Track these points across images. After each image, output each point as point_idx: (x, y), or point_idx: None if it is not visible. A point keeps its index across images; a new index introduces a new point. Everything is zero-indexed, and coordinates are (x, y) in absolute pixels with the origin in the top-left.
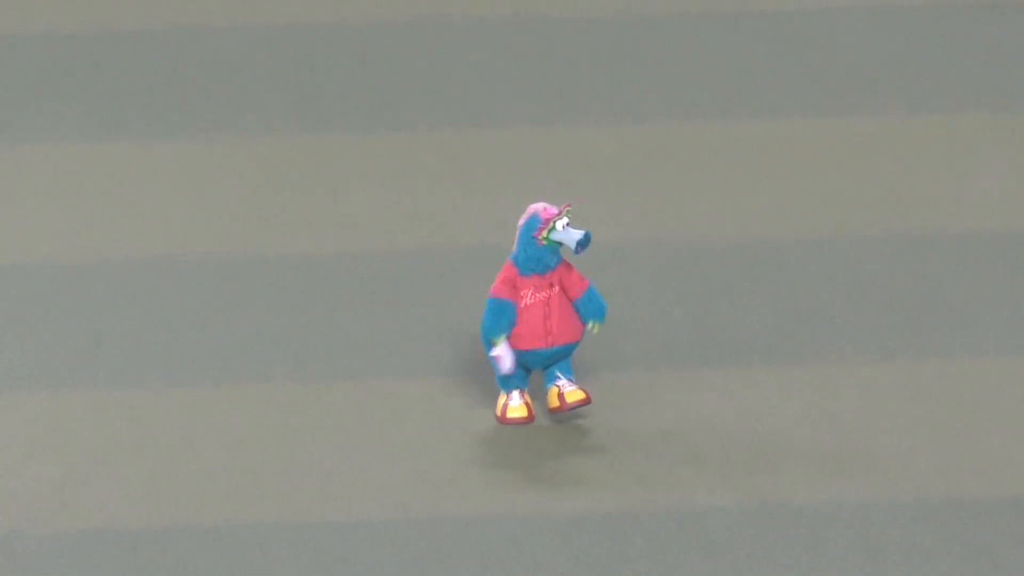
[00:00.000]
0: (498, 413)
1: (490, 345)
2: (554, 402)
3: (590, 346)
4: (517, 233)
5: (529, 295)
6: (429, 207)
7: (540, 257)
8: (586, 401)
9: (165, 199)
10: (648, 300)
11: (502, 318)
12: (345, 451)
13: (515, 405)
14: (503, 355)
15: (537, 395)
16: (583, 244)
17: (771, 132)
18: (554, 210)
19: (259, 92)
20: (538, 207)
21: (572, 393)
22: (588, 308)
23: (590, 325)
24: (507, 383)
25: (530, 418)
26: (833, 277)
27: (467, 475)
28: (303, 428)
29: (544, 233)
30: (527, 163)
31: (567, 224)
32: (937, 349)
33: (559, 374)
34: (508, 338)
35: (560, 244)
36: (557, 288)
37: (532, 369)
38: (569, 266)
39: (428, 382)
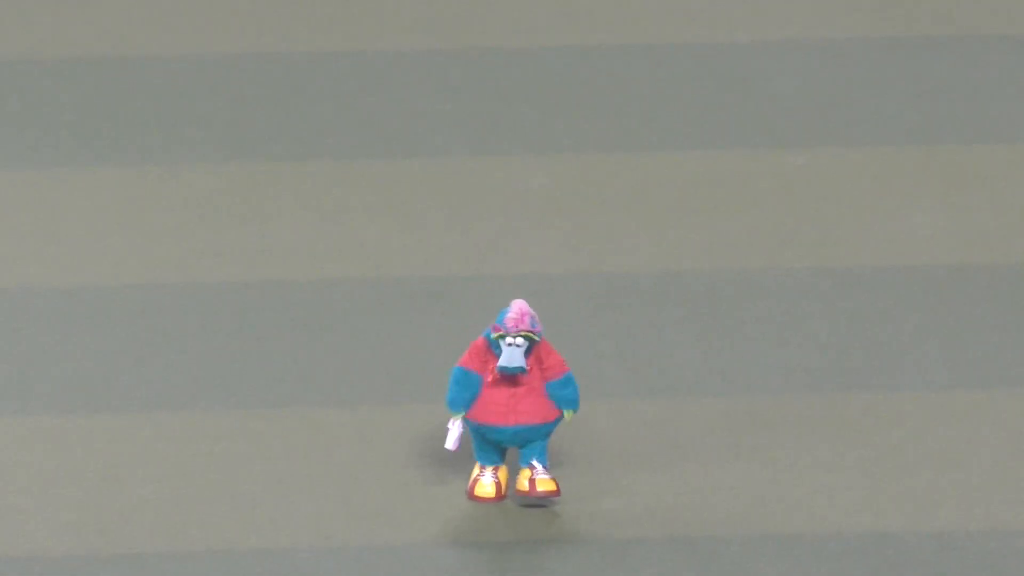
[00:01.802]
0: (468, 487)
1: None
2: (523, 486)
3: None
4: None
5: (495, 376)
6: (359, 237)
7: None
8: (555, 493)
9: (94, 227)
10: (577, 331)
11: (463, 389)
12: (271, 479)
13: (485, 483)
14: (451, 431)
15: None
16: (506, 369)
17: (702, 165)
18: (516, 325)
19: (189, 121)
20: (517, 311)
21: (544, 482)
22: (560, 394)
23: (566, 413)
24: (484, 458)
25: (498, 498)
26: (761, 311)
27: (394, 504)
28: (229, 456)
29: (494, 336)
30: (458, 194)
31: (518, 345)
32: (865, 384)
33: (534, 462)
34: (467, 413)
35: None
36: (531, 367)
37: (504, 446)
38: (550, 348)
39: (355, 411)
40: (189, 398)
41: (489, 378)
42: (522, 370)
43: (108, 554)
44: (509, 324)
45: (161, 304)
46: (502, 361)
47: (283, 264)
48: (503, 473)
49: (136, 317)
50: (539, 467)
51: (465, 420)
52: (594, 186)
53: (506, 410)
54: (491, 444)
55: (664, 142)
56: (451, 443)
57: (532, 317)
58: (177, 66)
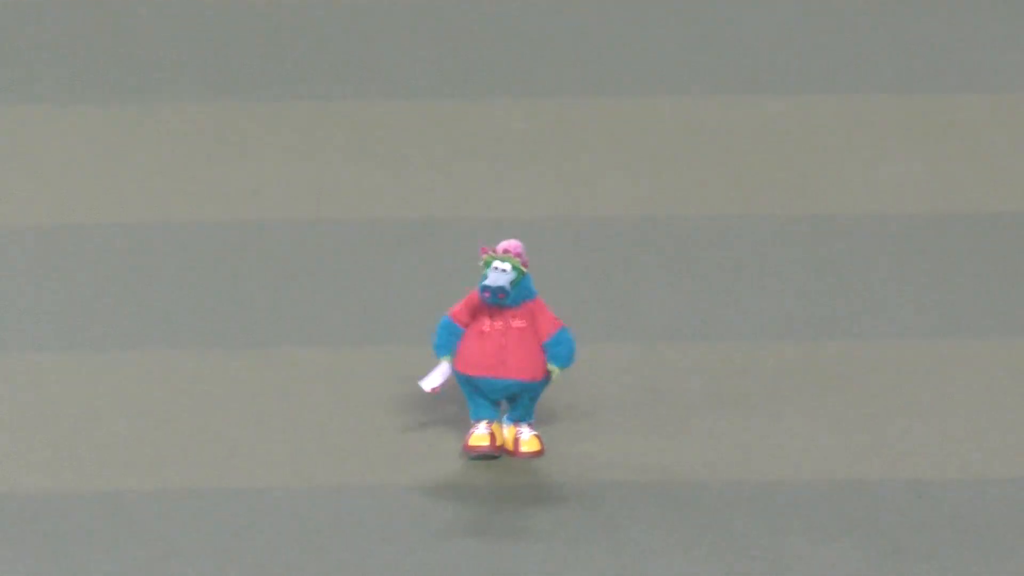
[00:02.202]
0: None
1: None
2: (508, 444)
3: None
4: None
5: (488, 324)
6: (338, 178)
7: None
8: (539, 454)
9: (71, 165)
10: (555, 275)
11: (449, 336)
12: (248, 419)
13: (479, 433)
14: (434, 373)
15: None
16: (489, 288)
17: (682, 110)
18: (504, 250)
19: (168, 61)
20: (510, 242)
21: (528, 443)
22: (553, 350)
23: (551, 367)
24: (477, 413)
25: (493, 448)
26: (740, 256)
27: (370, 446)
28: (206, 395)
29: (483, 258)
30: (438, 136)
31: (504, 270)
32: (841, 331)
33: (520, 424)
34: (458, 366)
35: (485, 276)
36: (524, 324)
37: (496, 400)
38: (543, 306)
39: (333, 352)
40: (166, 337)
41: (486, 327)
42: (504, 291)
43: (83, 491)
44: (499, 249)
45: (139, 243)
46: (487, 281)
47: (261, 204)
48: (498, 427)
49: (113, 256)
50: (524, 428)
51: (456, 373)
52: (574, 130)
53: (496, 362)
54: (483, 399)
55: (644, 87)
56: (427, 384)
57: (522, 251)
58: (156, 4)
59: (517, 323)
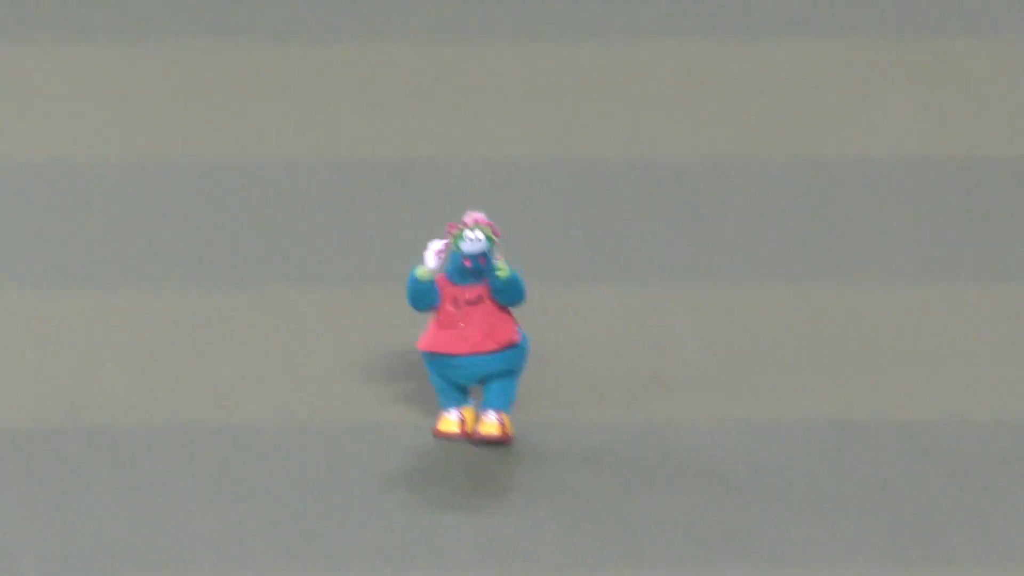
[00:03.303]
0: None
1: (416, 282)
2: (470, 426)
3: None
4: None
5: (451, 303)
6: (329, 118)
7: (461, 268)
8: (501, 438)
9: (63, 103)
10: (547, 217)
11: (423, 295)
12: (236, 357)
13: (449, 419)
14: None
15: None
16: (471, 255)
17: (677, 53)
18: (475, 221)
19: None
20: (476, 214)
21: (487, 425)
22: (506, 297)
23: (499, 267)
24: (447, 401)
25: (463, 434)
26: (732, 199)
27: (357, 384)
28: (195, 333)
29: (452, 234)
30: (431, 78)
31: (476, 238)
32: (834, 274)
33: (489, 410)
34: (424, 346)
35: (461, 252)
36: (486, 301)
37: (467, 386)
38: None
39: (324, 292)
40: (155, 275)
41: (448, 307)
42: (485, 255)
43: (71, 427)
44: (467, 220)
45: (129, 181)
46: (466, 249)
47: (253, 144)
48: (469, 412)
49: (104, 194)
50: (491, 412)
51: (424, 355)
52: (569, 73)
53: (459, 337)
54: (452, 385)
55: (639, 29)
56: (432, 259)
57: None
58: None
59: (481, 301)
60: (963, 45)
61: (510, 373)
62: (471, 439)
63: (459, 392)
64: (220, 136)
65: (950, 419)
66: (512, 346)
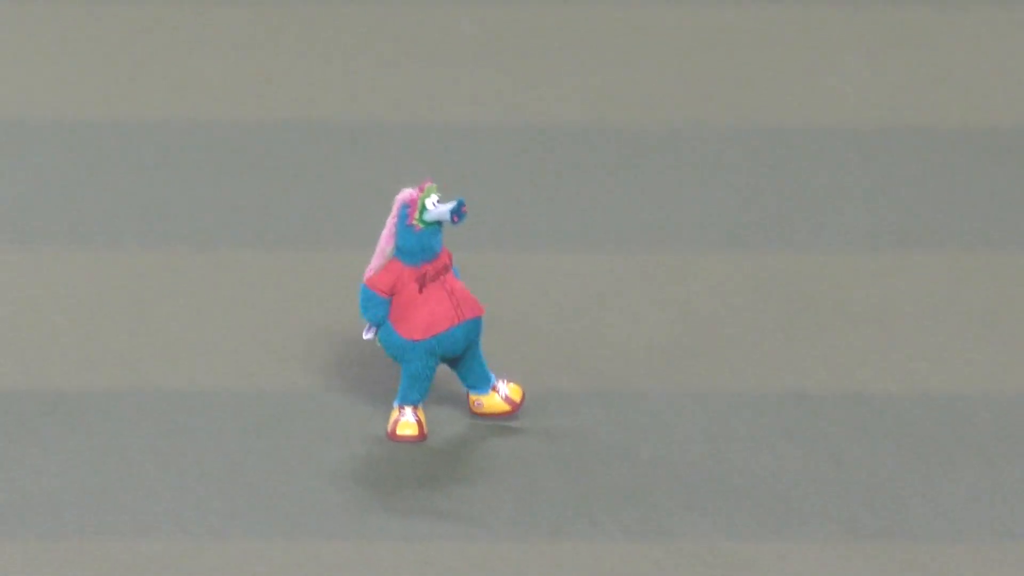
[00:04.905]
0: (389, 429)
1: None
2: (474, 408)
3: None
4: (393, 230)
5: (424, 284)
6: (282, 76)
7: (424, 243)
8: (518, 405)
9: (10, 59)
10: (500, 180)
11: (375, 308)
12: (191, 319)
13: (407, 421)
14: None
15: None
16: (458, 212)
17: (631, 17)
18: (415, 191)
19: None
20: (403, 195)
21: (513, 390)
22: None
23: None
24: (410, 396)
25: (422, 436)
26: (685, 165)
27: (317, 348)
28: (150, 294)
29: (417, 216)
30: (385, 38)
31: (437, 200)
32: (787, 241)
33: (492, 383)
34: (416, 335)
35: (438, 222)
36: (449, 267)
37: (452, 358)
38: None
39: (280, 254)
40: (109, 235)
41: (422, 292)
42: (462, 201)
43: (23, 388)
44: (411, 200)
45: (82, 139)
46: (447, 214)
47: (204, 102)
48: (423, 413)
49: (56, 152)
50: (476, 392)
51: (415, 344)
52: (523, 35)
53: (452, 308)
54: (431, 372)
55: None
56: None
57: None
58: None
59: (447, 270)
60: (920, 13)
61: (478, 339)
62: (481, 415)
63: (425, 388)
64: (170, 95)
65: (907, 390)
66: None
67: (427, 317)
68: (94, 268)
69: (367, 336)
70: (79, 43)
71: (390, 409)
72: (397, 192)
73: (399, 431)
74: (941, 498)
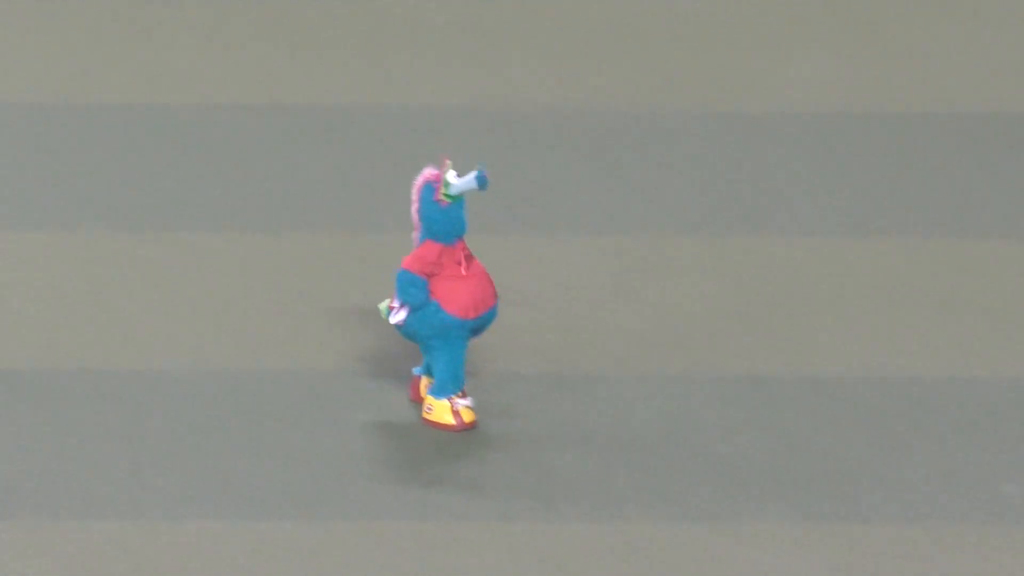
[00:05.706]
0: (451, 421)
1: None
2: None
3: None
4: (417, 214)
5: (464, 262)
6: (251, 61)
7: (453, 217)
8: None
9: None
10: (470, 166)
11: (416, 291)
12: (150, 302)
13: (468, 405)
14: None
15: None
16: (482, 180)
17: (597, 2)
18: (435, 170)
19: None
20: (424, 175)
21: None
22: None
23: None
24: (459, 381)
25: (472, 423)
26: (648, 150)
27: (274, 330)
28: (108, 277)
29: (444, 191)
30: (357, 23)
31: (457, 174)
32: (747, 227)
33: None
34: (464, 314)
35: (462, 194)
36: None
37: (476, 335)
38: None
39: (239, 237)
40: (68, 218)
41: (463, 271)
42: (482, 170)
43: (6, 368)
44: (435, 177)
45: (44, 123)
46: (473, 182)
47: (174, 87)
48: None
49: (16, 135)
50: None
51: (464, 323)
52: (487, 21)
53: (487, 288)
54: (464, 353)
55: None
56: (396, 317)
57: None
58: None
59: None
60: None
61: None
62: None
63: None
64: (137, 79)
65: (863, 375)
66: None
67: (477, 295)
68: (51, 251)
69: (395, 320)
70: (38, 27)
71: (351, 389)
72: (369, 175)
73: (466, 418)
74: (897, 481)
